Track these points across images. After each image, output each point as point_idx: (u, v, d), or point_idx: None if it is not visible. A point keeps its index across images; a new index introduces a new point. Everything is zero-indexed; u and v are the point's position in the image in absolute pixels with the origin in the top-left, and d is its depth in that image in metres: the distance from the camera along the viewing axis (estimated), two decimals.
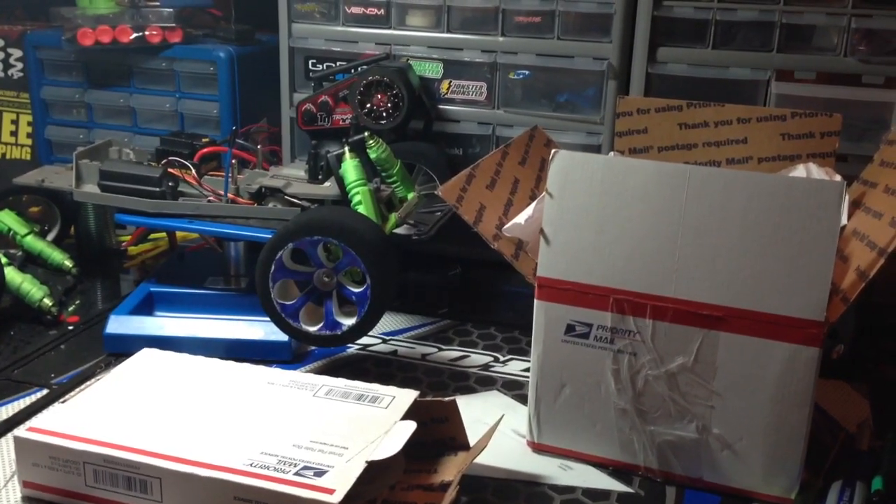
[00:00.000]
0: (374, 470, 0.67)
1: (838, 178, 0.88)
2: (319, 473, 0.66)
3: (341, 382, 0.80)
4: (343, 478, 0.65)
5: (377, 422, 0.72)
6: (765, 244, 0.70)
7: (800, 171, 0.95)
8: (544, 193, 0.76)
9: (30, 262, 1.12)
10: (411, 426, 0.71)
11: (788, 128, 0.98)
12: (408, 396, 0.76)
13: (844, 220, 0.79)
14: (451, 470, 0.73)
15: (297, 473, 0.66)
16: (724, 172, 0.85)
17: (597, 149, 1.17)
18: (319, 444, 0.70)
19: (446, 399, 0.76)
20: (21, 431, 0.70)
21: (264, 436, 0.71)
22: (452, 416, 0.76)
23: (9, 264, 1.05)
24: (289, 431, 0.72)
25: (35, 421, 0.72)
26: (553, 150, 0.75)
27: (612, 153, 1.05)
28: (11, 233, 1.11)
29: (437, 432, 0.76)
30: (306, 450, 0.69)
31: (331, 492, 0.63)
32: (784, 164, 0.98)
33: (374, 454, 0.67)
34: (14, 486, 0.72)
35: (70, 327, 1.05)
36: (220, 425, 0.73)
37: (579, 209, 0.75)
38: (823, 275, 0.68)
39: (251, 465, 0.67)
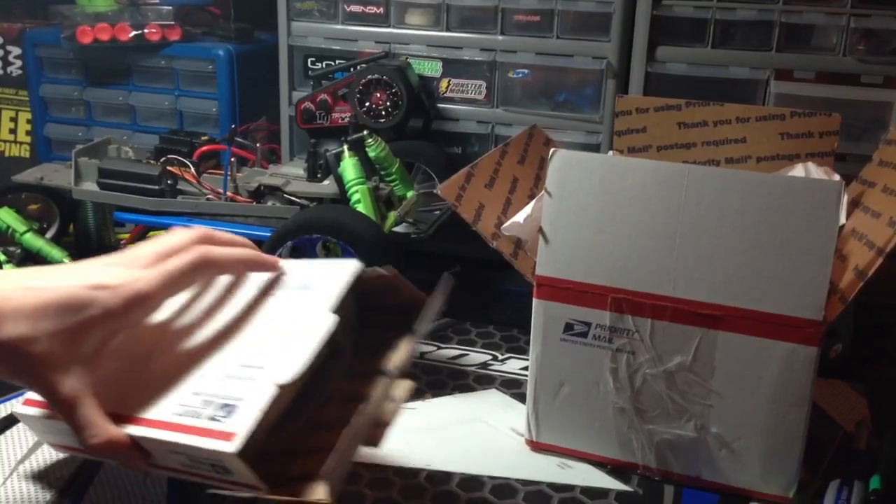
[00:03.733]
0: (307, 380, 0.58)
1: (837, 177, 0.88)
2: (230, 411, 0.56)
3: (290, 265, 0.68)
4: (245, 416, 0.55)
5: (302, 320, 0.62)
6: (763, 243, 0.70)
7: (798, 170, 0.95)
8: (543, 192, 0.76)
9: (28, 260, 1.12)
10: (327, 325, 0.60)
11: (787, 127, 0.98)
12: (344, 271, 0.64)
13: (843, 220, 0.79)
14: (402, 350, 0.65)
15: (212, 417, 0.56)
16: (722, 172, 0.85)
17: (596, 148, 1.17)
18: (243, 368, 0.59)
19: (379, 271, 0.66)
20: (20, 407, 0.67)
21: (206, 368, 0.62)
22: (398, 285, 0.67)
23: (7, 262, 1.05)
24: (227, 355, 0.62)
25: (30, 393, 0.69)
26: (552, 150, 0.75)
27: (610, 152, 1.05)
28: (10, 230, 1.11)
29: (390, 298, 0.67)
30: (231, 378, 0.59)
31: (229, 437, 0.54)
32: (783, 164, 0.98)
33: (282, 375, 0.57)
34: (13, 481, 0.72)
35: None
36: (180, 364, 0.63)
37: (578, 208, 0.75)
38: (822, 274, 0.68)
39: (179, 413, 0.58)
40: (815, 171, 0.93)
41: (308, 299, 0.64)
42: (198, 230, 0.63)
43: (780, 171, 0.97)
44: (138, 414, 0.59)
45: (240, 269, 0.65)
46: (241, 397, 0.57)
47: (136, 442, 0.58)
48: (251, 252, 0.64)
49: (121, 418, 0.59)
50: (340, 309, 0.62)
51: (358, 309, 0.67)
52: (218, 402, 0.57)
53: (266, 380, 0.57)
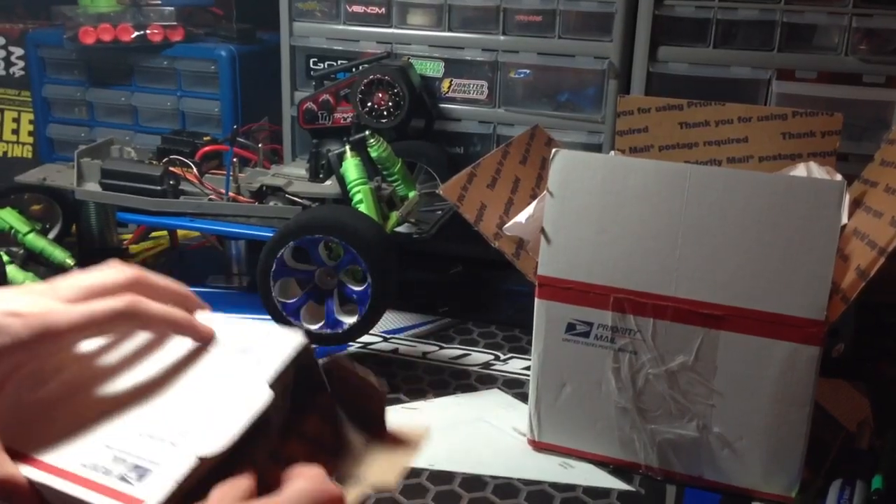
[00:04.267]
0: (233, 451, 0.54)
1: (839, 177, 0.88)
2: (143, 475, 0.53)
3: (230, 324, 0.63)
4: (159, 483, 0.53)
5: (237, 388, 0.58)
6: (765, 243, 0.70)
7: (800, 170, 0.95)
8: (545, 192, 0.76)
9: (31, 261, 1.12)
10: (262, 399, 0.57)
11: (789, 127, 0.98)
12: (288, 342, 0.60)
13: (845, 220, 0.79)
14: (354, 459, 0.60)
15: (122, 477, 0.53)
16: (724, 172, 0.85)
17: (598, 148, 1.17)
18: (165, 429, 0.56)
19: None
20: None
21: (122, 419, 0.58)
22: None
23: (10, 262, 1.05)
24: (147, 410, 0.58)
25: None
26: (554, 150, 0.75)
27: (612, 152, 1.06)
28: (13, 231, 1.12)
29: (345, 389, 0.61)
30: (148, 438, 0.56)
31: (138, 503, 0.51)
32: (785, 164, 0.98)
33: (205, 446, 0.54)
34: None
35: None
36: (94, 410, 0.59)
37: (580, 208, 0.75)
38: (824, 274, 0.69)
39: (86, 465, 0.55)
40: (816, 170, 0.93)
41: (244, 366, 0.60)
42: (133, 270, 0.58)
43: (781, 170, 0.97)
44: (40, 456, 0.55)
45: (167, 330, 0.59)
46: (156, 461, 0.53)
47: (33, 487, 0.53)
48: (182, 316, 0.59)
49: (18, 456, 0.54)
50: (277, 383, 0.57)
51: (294, 387, 0.61)
52: (130, 462, 0.54)
53: (187, 448, 0.53)
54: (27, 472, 0.53)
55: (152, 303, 0.57)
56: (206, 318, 0.64)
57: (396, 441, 0.61)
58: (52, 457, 0.55)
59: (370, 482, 0.57)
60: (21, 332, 0.51)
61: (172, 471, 0.52)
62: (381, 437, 0.61)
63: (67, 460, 0.54)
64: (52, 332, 0.53)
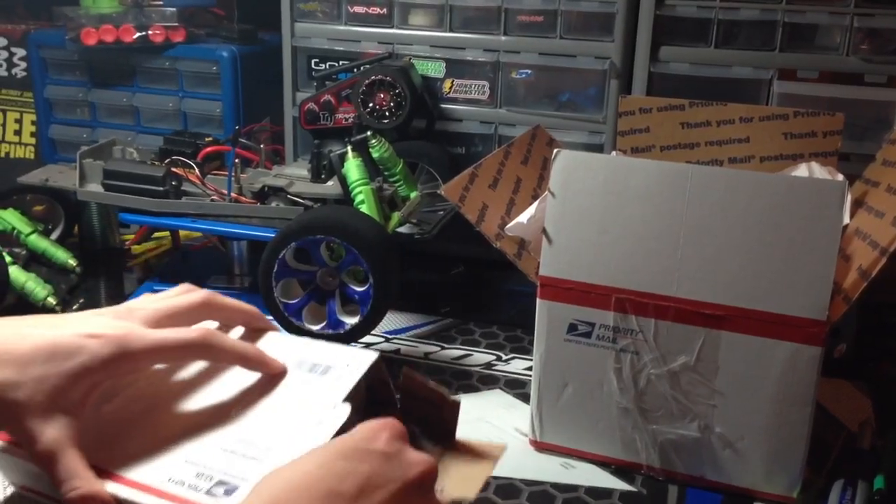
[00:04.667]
0: None
1: (840, 177, 0.88)
2: (230, 491, 0.53)
3: (301, 346, 0.64)
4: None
5: (314, 406, 0.58)
6: (767, 244, 0.70)
7: (802, 170, 0.95)
8: (546, 193, 0.76)
9: (34, 261, 1.12)
10: (342, 416, 0.57)
11: (791, 127, 0.98)
12: (361, 363, 0.61)
13: (846, 220, 0.79)
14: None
15: (208, 492, 0.53)
16: (725, 172, 0.85)
17: (599, 148, 1.17)
18: (246, 445, 0.56)
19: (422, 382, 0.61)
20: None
21: (203, 437, 0.58)
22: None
23: (13, 263, 1.05)
24: (228, 428, 0.58)
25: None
26: (555, 150, 0.75)
27: (614, 152, 1.06)
28: (15, 232, 1.12)
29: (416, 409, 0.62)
30: (230, 454, 0.56)
31: None
32: (786, 164, 0.98)
33: (289, 460, 0.53)
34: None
35: None
36: (175, 427, 0.59)
37: (581, 208, 0.75)
38: (825, 274, 0.69)
39: (171, 480, 0.55)
40: (818, 170, 0.93)
41: (321, 384, 0.60)
42: (204, 292, 0.61)
43: (783, 170, 0.97)
44: (123, 473, 0.55)
45: (239, 364, 0.61)
46: (242, 477, 0.54)
47: (118, 502, 0.54)
48: (254, 352, 0.60)
49: (104, 473, 0.55)
50: (353, 398, 0.59)
51: (365, 403, 0.63)
52: (216, 477, 0.54)
53: (271, 462, 0.53)
54: (112, 488, 0.54)
55: (226, 338, 0.59)
56: (279, 338, 0.66)
57: (473, 453, 0.61)
58: (136, 473, 0.55)
59: (450, 494, 0.57)
60: (101, 353, 0.54)
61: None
62: (455, 448, 0.62)
63: (151, 476, 0.55)
64: (129, 355, 0.55)
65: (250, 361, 0.60)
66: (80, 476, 0.52)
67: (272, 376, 0.61)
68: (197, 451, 0.57)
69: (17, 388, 0.51)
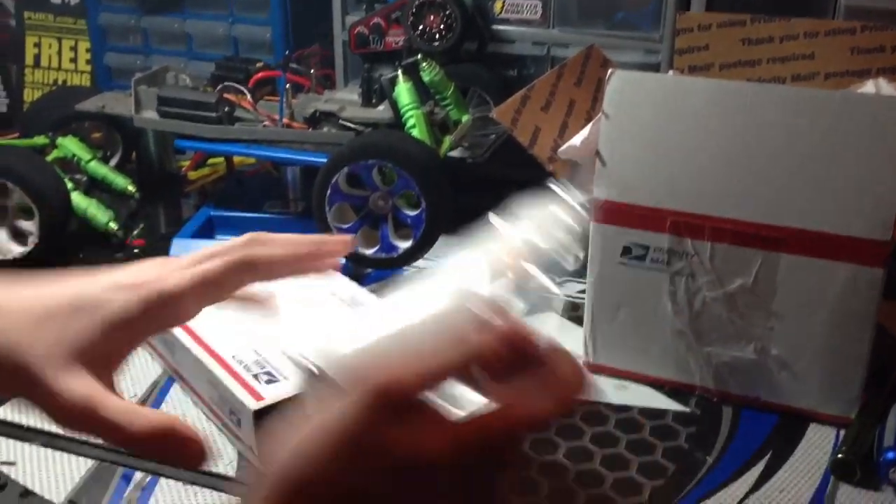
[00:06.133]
0: None
1: None
2: (271, 381, 0.68)
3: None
4: (280, 391, 0.67)
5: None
6: (828, 163, 0.68)
7: (869, 87, 0.91)
8: (600, 114, 0.75)
9: (94, 188, 1.15)
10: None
11: (858, 42, 0.94)
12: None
13: None
14: None
15: (255, 376, 0.69)
16: (786, 90, 0.83)
17: (655, 67, 1.14)
18: (300, 356, 0.58)
19: None
20: None
21: (270, 337, 0.73)
22: None
23: (74, 189, 1.07)
24: (292, 338, 0.64)
25: None
26: (609, 70, 0.74)
27: (671, 72, 1.03)
28: (76, 158, 1.14)
29: None
30: (286, 359, 0.71)
31: (259, 398, 0.66)
32: (852, 80, 0.94)
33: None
34: None
35: (136, 250, 1.08)
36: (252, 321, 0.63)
37: (636, 130, 0.73)
38: (889, 194, 0.67)
39: (233, 356, 0.71)
40: (886, 87, 0.90)
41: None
42: (247, 235, 0.54)
43: (849, 87, 0.93)
44: (201, 334, 0.70)
45: (290, 271, 0.55)
46: (287, 377, 0.68)
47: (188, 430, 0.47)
48: (305, 249, 0.54)
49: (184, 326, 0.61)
50: None
51: None
52: (268, 368, 0.69)
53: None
54: (182, 336, 0.71)
55: (267, 249, 0.53)
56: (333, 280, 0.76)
57: None
58: (212, 339, 0.72)
59: None
60: (128, 304, 0.48)
61: (293, 388, 0.66)
62: None
63: (222, 347, 0.71)
64: (164, 298, 0.49)
65: (301, 261, 0.54)
66: (131, 411, 0.43)
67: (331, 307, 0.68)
68: (264, 345, 0.72)
69: (31, 348, 0.44)
